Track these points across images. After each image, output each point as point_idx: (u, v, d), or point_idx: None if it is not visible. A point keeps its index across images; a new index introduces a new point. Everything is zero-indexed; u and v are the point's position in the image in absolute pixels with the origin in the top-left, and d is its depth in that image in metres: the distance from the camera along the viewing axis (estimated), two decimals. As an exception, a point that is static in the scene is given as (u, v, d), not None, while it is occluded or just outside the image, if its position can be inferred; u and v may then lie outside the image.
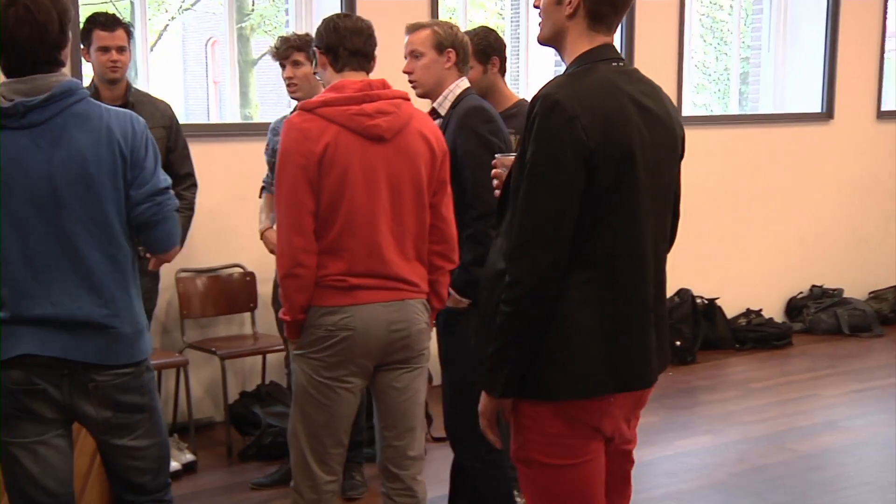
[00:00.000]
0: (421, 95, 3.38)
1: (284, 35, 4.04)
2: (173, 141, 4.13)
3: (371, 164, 2.78)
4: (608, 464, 2.24)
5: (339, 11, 2.94)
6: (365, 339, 2.80)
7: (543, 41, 2.24)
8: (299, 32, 4.08)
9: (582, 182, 2.02)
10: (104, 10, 4.14)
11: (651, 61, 5.83)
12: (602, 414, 2.15)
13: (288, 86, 3.99)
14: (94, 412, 2.44)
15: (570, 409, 2.12)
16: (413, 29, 3.36)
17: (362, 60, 2.90)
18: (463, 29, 3.45)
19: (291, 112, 4.10)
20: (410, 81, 3.39)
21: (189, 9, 6.68)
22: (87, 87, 3.93)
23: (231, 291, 4.91)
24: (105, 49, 3.93)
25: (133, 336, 2.47)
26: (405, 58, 3.36)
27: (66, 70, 2.56)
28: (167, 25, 9.25)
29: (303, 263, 2.76)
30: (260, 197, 4.34)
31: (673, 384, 5.62)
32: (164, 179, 2.51)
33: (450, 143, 3.19)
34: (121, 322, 2.43)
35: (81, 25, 4.06)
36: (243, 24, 8.09)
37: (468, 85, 3.35)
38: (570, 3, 2.14)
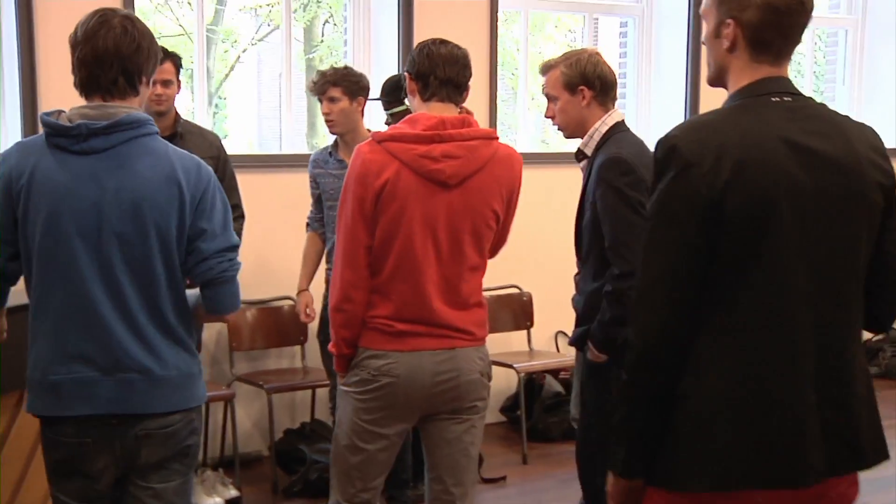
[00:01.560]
0: (568, 137, 3.22)
1: (322, 70, 4.00)
2: (221, 172, 4.08)
3: (431, 209, 2.62)
4: None
5: (429, 40, 2.79)
6: (408, 387, 2.66)
7: (711, 82, 2.00)
8: (337, 66, 4.03)
9: (701, 238, 1.79)
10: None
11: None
12: None
13: (326, 121, 3.96)
14: (144, 459, 2.33)
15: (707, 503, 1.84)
16: (544, 70, 3.20)
17: (452, 91, 2.71)
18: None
19: (332, 142, 4.08)
20: (554, 125, 3.24)
21: (260, 41, 6.70)
22: None
23: (281, 324, 4.84)
24: (154, 82, 3.91)
25: (180, 381, 2.34)
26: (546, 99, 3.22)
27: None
28: (239, 57, 9.35)
29: (351, 298, 2.66)
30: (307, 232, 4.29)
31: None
32: (235, 237, 2.40)
33: (590, 192, 3.06)
34: (165, 368, 2.31)
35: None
36: (312, 55, 8.10)
37: (618, 119, 3.12)
38: (727, 35, 1.88)
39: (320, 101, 3.97)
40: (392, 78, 4.23)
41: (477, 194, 2.66)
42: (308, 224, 4.27)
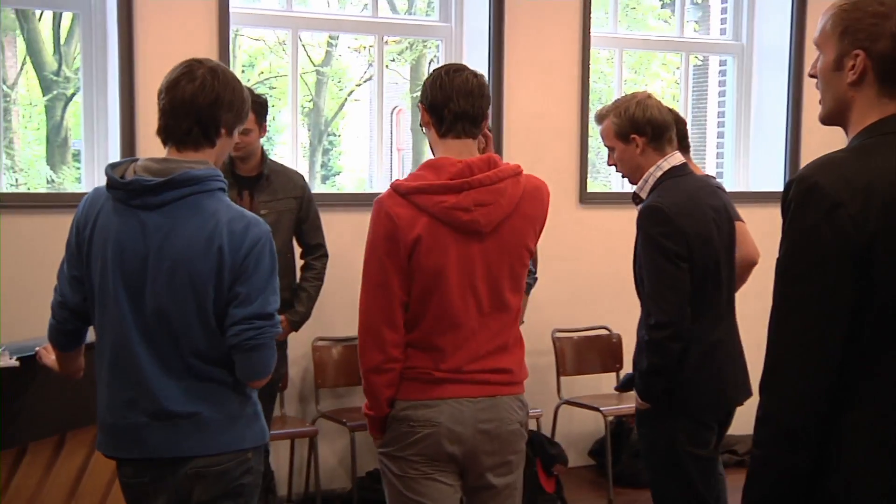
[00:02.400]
0: (632, 184, 3.15)
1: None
2: (304, 212, 4.16)
3: (467, 260, 2.52)
4: None
5: (442, 68, 2.62)
6: (450, 435, 2.55)
7: (825, 119, 1.81)
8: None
9: (852, 289, 1.59)
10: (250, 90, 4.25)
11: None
12: None
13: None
14: (197, 497, 2.35)
15: None
16: (598, 120, 3.17)
17: (468, 125, 2.54)
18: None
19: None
20: (618, 172, 3.21)
21: (368, 80, 6.85)
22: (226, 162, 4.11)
23: (367, 362, 4.86)
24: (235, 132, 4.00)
25: (228, 423, 2.35)
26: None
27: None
28: (351, 92, 9.57)
29: (395, 358, 2.54)
30: None
31: None
32: (273, 303, 2.32)
33: (637, 239, 3.02)
34: (212, 411, 2.32)
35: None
36: (418, 94, 8.23)
37: (675, 163, 3.04)
38: (852, 67, 1.70)
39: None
40: None
41: (511, 237, 2.56)
42: None
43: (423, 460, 2.57)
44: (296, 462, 4.70)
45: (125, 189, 2.29)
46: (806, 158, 5.55)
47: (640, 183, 3.08)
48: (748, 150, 5.90)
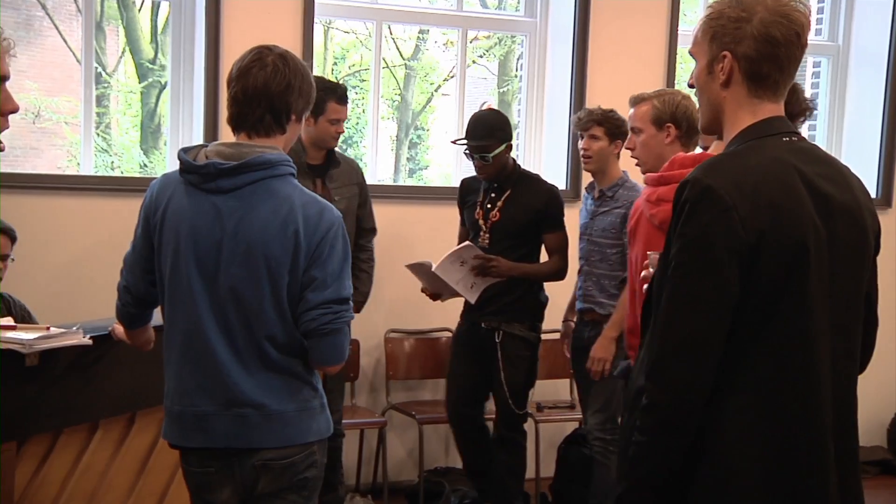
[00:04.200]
0: (644, 172, 3.19)
1: (589, 108, 4.08)
2: (363, 197, 4.29)
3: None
4: None
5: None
6: None
7: (704, 128, 1.91)
8: (604, 108, 4.06)
9: (737, 287, 1.68)
10: (339, 82, 4.32)
11: None
12: None
13: (583, 157, 4.05)
14: (262, 488, 2.36)
15: None
16: (634, 102, 3.22)
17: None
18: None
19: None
20: (632, 157, 3.24)
21: (451, 77, 6.87)
22: (295, 147, 4.14)
23: (438, 355, 4.87)
24: (336, 121, 4.07)
25: (296, 416, 2.34)
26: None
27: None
28: (438, 87, 9.59)
29: None
30: None
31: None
32: (348, 288, 2.33)
33: None
34: (280, 403, 2.32)
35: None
36: (505, 90, 8.17)
37: None
38: (721, 68, 1.80)
39: (581, 136, 4.04)
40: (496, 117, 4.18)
41: None
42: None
43: None
44: (364, 452, 4.73)
45: (199, 173, 2.28)
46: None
47: None
48: (840, 154, 5.71)
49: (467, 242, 3.97)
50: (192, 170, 2.30)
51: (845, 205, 1.79)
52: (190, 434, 2.36)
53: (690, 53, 1.91)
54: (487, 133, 4.01)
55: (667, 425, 1.72)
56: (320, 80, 4.19)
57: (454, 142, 4.12)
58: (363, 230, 4.30)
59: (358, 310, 4.19)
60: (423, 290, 4.10)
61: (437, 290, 4.04)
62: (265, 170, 2.28)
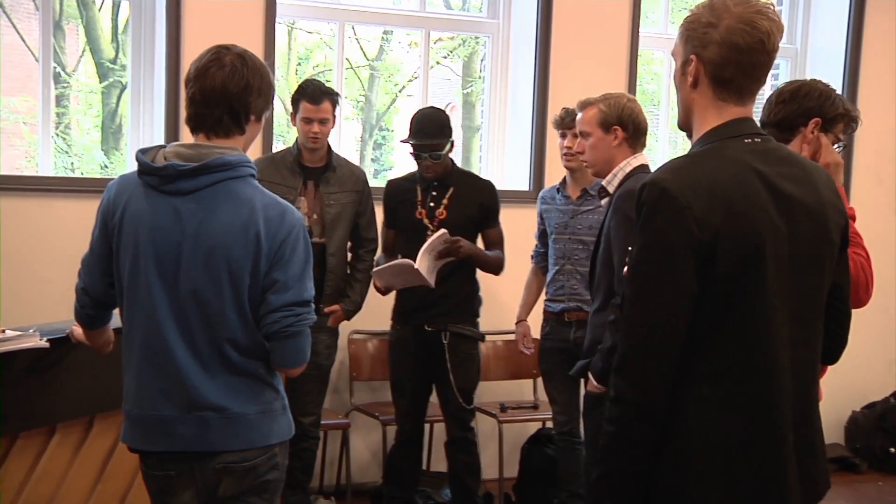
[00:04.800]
0: (594, 175, 3.30)
1: (568, 108, 4.06)
2: (363, 206, 4.23)
3: None
4: None
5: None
6: None
7: (679, 124, 1.99)
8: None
9: (695, 284, 1.76)
10: (314, 79, 4.29)
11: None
12: None
13: (564, 155, 4.07)
14: (223, 491, 2.35)
15: None
16: (581, 107, 3.29)
17: (772, 132, 2.59)
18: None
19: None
20: (582, 161, 3.30)
21: (415, 78, 6.88)
22: (290, 147, 4.13)
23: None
24: (308, 120, 4.03)
25: (258, 418, 2.33)
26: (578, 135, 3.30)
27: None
28: (403, 88, 9.59)
29: None
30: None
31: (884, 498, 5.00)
32: (309, 290, 2.33)
33: (606, 225, 3.04)
34: (242, 405, 2.31)
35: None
36: (469, 91, 8.19)
37: (643, 162, 3.19)
38: (690, 71, 1.88)
39: (563, 136, 4.06)
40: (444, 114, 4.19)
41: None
42: (533, 258, 4.34)
43: None
44: (328, 454, 4.72)
45: (158, 174, 2.26)
46: (858, 163, 5.44)
47: (609, 176, 3.18)
48: (799, 156, 5.78)
49: (442, 230, 3.96)
50: (151, 171, 2.27)
51: (806, 202, 1.86)
52: (150, 438, 2.34)
53: (672, 54, 1.99)
54: (439, 131, 4.02)
55: (633, 415, 1.80)
56: (301, 83, 4.17)
57: (404, 142, 4.10)
58: (363, 240, 4.24)
59: (348, 318, 4.24)
60: (375, 287, 4.09)
61: (390, 284, 4.03)
62: (225, 171, 2.26)
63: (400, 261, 3.93)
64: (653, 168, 3.25)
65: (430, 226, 4.08)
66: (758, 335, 1.81)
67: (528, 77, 5.08)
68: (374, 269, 4.03)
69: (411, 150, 4.09)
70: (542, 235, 4.25)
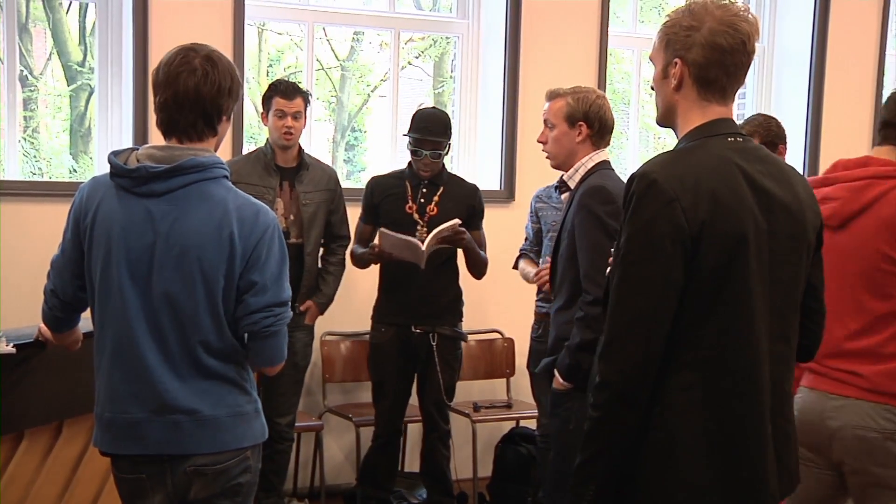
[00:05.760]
0: (554, 167, 3.28)
1: None
2: (335, 204, 4.27)
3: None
4: None
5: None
6: (805, 426, 2.50)
7: (659, 121, 2.07)
8: None
9: (681, 274, 1.82)
10: (286, 79, 4.30)
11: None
12: None
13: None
14: (194, 494, 2.33)
15: None
16: (550, 97, 3.27)
17: (890, 132, 2.64)
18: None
19: None
20: (543, 151, 3.29)
21: (386, 79, 6.88)
22: (262, 147, 4.14)
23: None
24: (281, 114, 4.06)
25: (230, 421, 2.33)
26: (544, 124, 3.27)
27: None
28: (375, 88, 9.56)
29: None
30: (515, 267, 4.33)
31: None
32: (287, 290, 2.33)
33: (569, 221, 3.05)
34: (213, 408, 2.30)
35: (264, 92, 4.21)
36: (441, 91, 8.18)
37: (603, 158, 3.18)
38: (674, 73, 1.95)
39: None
40: (447, 116, 4.25)
41: (863, 234, 2.54)
42: (524, 254, 4.31)
43: None
44: (301, 456, 4.71)
45: (130, 176, 2.26)
46: (825, 159, 5.50)
47: (570, 171, 3.18)
48: (768, 153, 5.84)
49: (456, 220, 4.03)
50: (123, 173, 2.27)
51: (785, 200, 1.92)
52: (122, 441, 2.33)
53: (650, 59, 2.05)
54: (444, 130, 4.13)
55: (617, 401, 1.84)
56: (273, 81, 4.19)
57: (407, 135, 4.13)
58: (335, 236, 4.29)
59: (321, 312, 4.28)
60: (373, 248, 4.08)
61: (389, 251, 4.03)
62: (198, 172, 2.26)
63: (411, 238, 3.99)
64: (616, 166, 3.30)
65: (419, 221, 4.15)
66: (741, 325, 1.86)
67: (498, 77, 5.09)
68: (384, 230, 4.01)
69: (410, 146, 4.14)
70: (537, 234, 4.22)
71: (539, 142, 3.29)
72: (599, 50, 5.17)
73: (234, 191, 2.32)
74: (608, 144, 3.23)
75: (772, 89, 5.86)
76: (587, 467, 1.89)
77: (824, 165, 5.45)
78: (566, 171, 3.24)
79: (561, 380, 3.03)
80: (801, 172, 5.55)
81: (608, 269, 2.00)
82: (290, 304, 2.36)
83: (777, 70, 5.85)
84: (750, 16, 1.94)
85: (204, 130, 2.31)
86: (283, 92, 4.08)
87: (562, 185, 3.26)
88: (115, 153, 2.32)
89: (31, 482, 2.98)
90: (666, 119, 2.02)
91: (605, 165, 3.17)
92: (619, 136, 7.08)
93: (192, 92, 2.26)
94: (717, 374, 1.86)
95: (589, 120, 3.16)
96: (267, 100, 4.13)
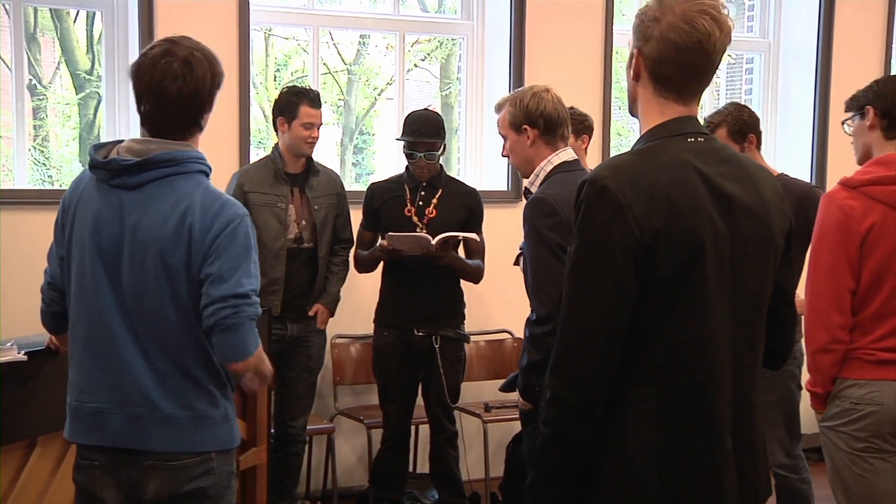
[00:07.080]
0: (523, 176, 3.16)
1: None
2: (341, 207, 4.30)
3: None
4: None
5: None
6: (891, 415, 2.68)
7: (629, 109, 1.98)
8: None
9: (633, 283, 1.73)
10: (307, 86, 4.31)
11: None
12: None
13: None
14: (153, 493, 2.30)
15: None
16: (497, 109, 3.14)
17: None
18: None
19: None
20: (510, 163, 3.24)
21: (393, 82, 6.89)
22: (271, 154, 4.16)
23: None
24: (309, 125, 4.08)
25: (193, 423, 2.29)
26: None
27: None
28: (382, 91, 9.57)
29: (841, 340, 2.72)
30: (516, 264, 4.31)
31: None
32: (247, 284, 2.26)
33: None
34: (177, 408, 2.28)
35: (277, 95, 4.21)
36: (447, 92, 8.17)
37: (566, 158, 3.00)
38: (633, 64, 1.87)
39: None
40: (439, 117, 4.27)
41: None
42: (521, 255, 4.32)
43: (865, 437, 2.71)
44: (314, 459, 4.72)
45: (105, 168, 2.29)
46: (833, 157, 5.48)
47: (531, 178, 3.02)
48: (775, 149, 5.82)
49: (474, 234, 4.11)
50: (99, 165, 2.31)
51: (748, 203, 1.83)
52: (83, 431, 2.33)
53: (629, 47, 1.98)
54: (436, 131, 4.13)
55: (569, 417, 1.77)
56: (293, 87, 4.20)
57: (400, 139, 4.14)
58: (339, 239, 4.32)
59: (332, 313, 4.30)
60: (384, 246, 4.10)
61: (398, 247, 4.04)
62: (169, 167, 2.27)
63: (420, 234, 4.04)
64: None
65: (419, 224, 4.16)
66: (698, 336, 1.78)
67: (504, 77, 5.10)
68: (391, 234, 4.05)
69: (405, 149, 4.14)
70: None
71: (503, 156, 3.18)
72: (604, 49, 5.17)
73: (205, 185, 2.31)
74: (565, 139, 3.05)
75: (778, 86, 5.84)
76: (539, 485, 1.83)
77: (832, 163, 5.50)
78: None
79: (523, 399, 2.95)
80: (809, 169, 5.56)
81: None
82: (253, 297, 2.28)
83: (783, 67, 5.83)
84: (718, 13, 1.81)
85: (188, 129, 2.34)
86: (312, 101, 4.09)
87: (526, 192, 3.11)
88: (96, 146, 2.35)
89: (44, 488, 3.00)
90: (631, 109, 1.95)
91: (564, 167, 2.99)
92: (627, 133, 7.08)
93: (175, 103, 2.28)
94: (673, 387, 1.77)
95: (531, 121, 2.98)
96: (291, 107, 4.09)
